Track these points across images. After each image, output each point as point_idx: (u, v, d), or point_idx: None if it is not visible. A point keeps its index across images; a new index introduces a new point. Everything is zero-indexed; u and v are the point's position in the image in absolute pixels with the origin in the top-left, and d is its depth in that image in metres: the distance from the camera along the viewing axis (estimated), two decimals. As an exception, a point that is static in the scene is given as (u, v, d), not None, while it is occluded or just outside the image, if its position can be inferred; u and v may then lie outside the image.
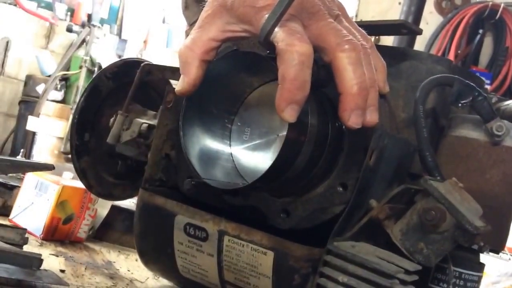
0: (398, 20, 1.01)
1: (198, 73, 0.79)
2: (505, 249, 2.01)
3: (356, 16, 4.59)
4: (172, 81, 0.99)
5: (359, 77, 0.73)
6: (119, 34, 5.46)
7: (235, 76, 0.85)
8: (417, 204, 0.74)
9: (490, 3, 4.48)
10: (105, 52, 4.56)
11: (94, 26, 4.75)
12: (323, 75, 0.75)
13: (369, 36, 0.81)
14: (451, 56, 4.41)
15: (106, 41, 4.79)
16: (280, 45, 0.71)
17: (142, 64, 1.04)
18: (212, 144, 0.87)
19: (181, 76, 0.80)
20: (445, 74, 0.86)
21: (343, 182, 0.80)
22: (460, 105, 0.83)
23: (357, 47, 0.74)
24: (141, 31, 5.58)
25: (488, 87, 4.30)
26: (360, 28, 0.80)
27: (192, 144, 0.85)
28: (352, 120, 0.73)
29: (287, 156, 0.76)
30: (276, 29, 0.72)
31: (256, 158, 0.84)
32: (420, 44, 4.38)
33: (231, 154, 0.88)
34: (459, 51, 4.51)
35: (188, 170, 0.85)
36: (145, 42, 5.57)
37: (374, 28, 0.95)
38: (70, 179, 1.39)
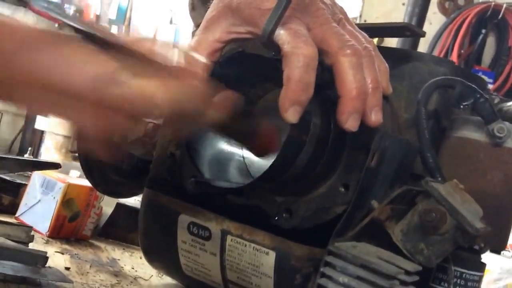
0: (402, 22, 1.01)
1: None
2: (508, 246, 2.01)
3: (360, 17, 4.58)
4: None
5: (358, 81, 0.74)
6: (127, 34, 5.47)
7: (244, 79, 0.86)
8: (418, 205, 0.75)
9: (493, 3, 4.48)
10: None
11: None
12: (327, 77, 0.76)
13: (371, 39, 0.82)
14: (454, 55, 4.41)
15: (114, 41, 4.80)
16: (286, 48, 0.72)
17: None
18: (224, 145, 0.88)
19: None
20: (447, 76, 0.87)
21: (345, 182, 0.80)
22: (461, 106, 0.84)
23: (358, 52, 0.75)
24: (148, 32, 5.59)
25: (491, 86, 4.31)
26: (362, 32, 0.81)
27: (202, 145, 0.86)
28: (350, 123, 0.74)
29: (289, 154, 0.77)
30: (282, 32, 0.73)
31: (268, 160, 0.85)
32: (423, 43, 4.38)
33: (243, 156, 0.89)
34: (462, 51, 4.51)
35: (193, 170, 0.86)
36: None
37: (378, 30, 0.96)
38: (77, 177, 1.40)
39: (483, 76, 4.25)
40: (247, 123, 0.80)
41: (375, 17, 4.47)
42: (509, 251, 2.12)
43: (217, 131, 0.83)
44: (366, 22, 4.13)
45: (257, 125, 0.82)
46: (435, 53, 4.41)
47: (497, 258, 1.82)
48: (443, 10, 4.65)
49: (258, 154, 0.86)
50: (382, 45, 0.84)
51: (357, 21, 4.34)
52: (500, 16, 4.46)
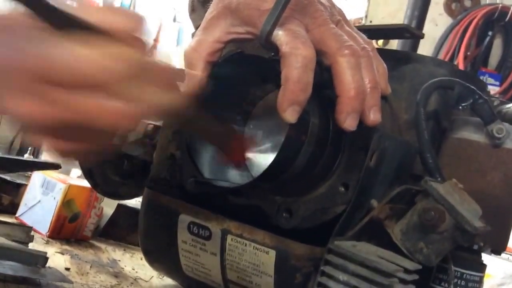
0: (401, 24, 1.01)
1: (203, 74, 0.81)
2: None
3: (366, 17, 4.57)
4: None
5: (356, 82, 0.74)
6: (130, 32, 5.46)
7: (243, 80, 0.86)
8: (417, 205, 0.75)
9: (500, 5, 4.46)
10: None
11: (104, 25, 4.75)
12: (327, 77, 0.77)
13: (370, 40, 0.82)
14: (460, 57, 4.39)
15: (116, 40, 4.81)
16: (284, 48, 0.73)
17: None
18: None
19: (187, 78, 0.81)
20: (446, 77, 0.87)
21: (344, 182, 0.80)
22: (460, 107, 0.84)
23: (356, 53, 0.75)
24: (151, 30, 5.59)
25: (497, 88, 4.30)
26: (360, 33, 0.81)
27: (202, 145, 0.86)
28: (348, 122, 0.75)
29: (288, 154, 0.77)
30: (280, 32, 0.73)
31: (269, 160, 0.85)
32: (429, 45, 4.37)
33: None
34: (468, 53, 4.50)
35: (193, 170, 0.86)
36: (155, 40, 5.57)
37: (378, 32, 0.96)
38: (77, 176, 1.40)
39: (490, 78, 4.25)
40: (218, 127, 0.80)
41: (381, 17, 4.45)
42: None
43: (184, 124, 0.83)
44: (372, 24, 4.12)
45: (228, 132, 0.84)
46: (441, 54, 4.40)
47: (500, 262, 1.82)
48: (449, 11, 4.64)
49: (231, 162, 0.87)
50: (385, 47, 0.84)
51: (363, 21, 4.33)
52: (508, 18, 4.44)
